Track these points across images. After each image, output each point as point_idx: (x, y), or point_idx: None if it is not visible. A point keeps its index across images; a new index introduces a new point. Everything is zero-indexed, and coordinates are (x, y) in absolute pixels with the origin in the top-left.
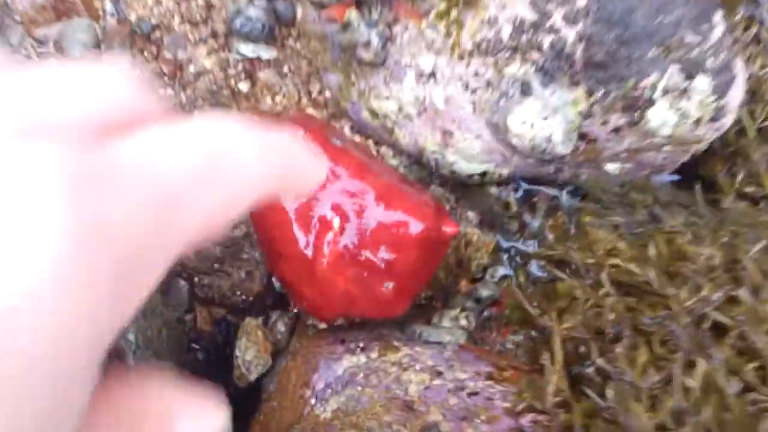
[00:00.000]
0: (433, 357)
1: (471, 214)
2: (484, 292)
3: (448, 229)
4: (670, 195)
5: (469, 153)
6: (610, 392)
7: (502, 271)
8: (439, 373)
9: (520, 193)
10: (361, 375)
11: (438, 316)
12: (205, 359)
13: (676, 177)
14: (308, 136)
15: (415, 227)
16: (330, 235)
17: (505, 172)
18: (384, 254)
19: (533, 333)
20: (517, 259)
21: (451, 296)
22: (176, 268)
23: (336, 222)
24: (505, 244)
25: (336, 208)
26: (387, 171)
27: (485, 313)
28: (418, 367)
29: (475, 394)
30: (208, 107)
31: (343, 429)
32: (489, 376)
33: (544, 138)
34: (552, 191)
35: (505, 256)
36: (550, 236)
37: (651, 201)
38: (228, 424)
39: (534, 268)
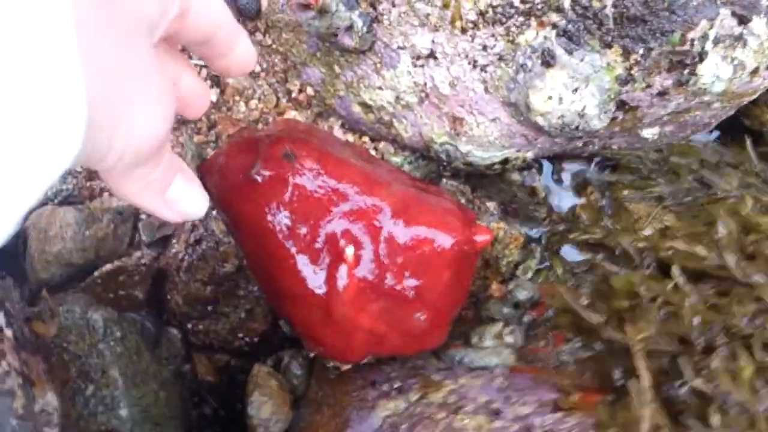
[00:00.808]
0: (484, 389)
1: (491, 205)
2: (521, 295)
3: (481, 237)
4: (716, 155)
5: (485, 140)
6: (715, 419)
7: (535, 265)
8: (497, 412)
9: (543, 174)
10: (405, 426)
11: (477, 335)
12: (214, 416)
13: (715, 134)
14: (299, 151)
15: (444, 242)
16: (344, 269)
17: (529, 155)
18: (411, 280)
19: (592, 342)
20: (550, 249)
21: (482, 304)
22: (165, 316)
23: (349, 251)
24: (534, 235)
25: (346, 235)
26: (395, 176)
27: (525, 319)
28: (469, 407)
29: None
30: (174, 124)
31: None
32: (555, 407)
33: (576, 113)
34: (578, 166)
35: (536, 248)
36: (584, 217)
37: (697, 165)
38: None
39: (571, 256)
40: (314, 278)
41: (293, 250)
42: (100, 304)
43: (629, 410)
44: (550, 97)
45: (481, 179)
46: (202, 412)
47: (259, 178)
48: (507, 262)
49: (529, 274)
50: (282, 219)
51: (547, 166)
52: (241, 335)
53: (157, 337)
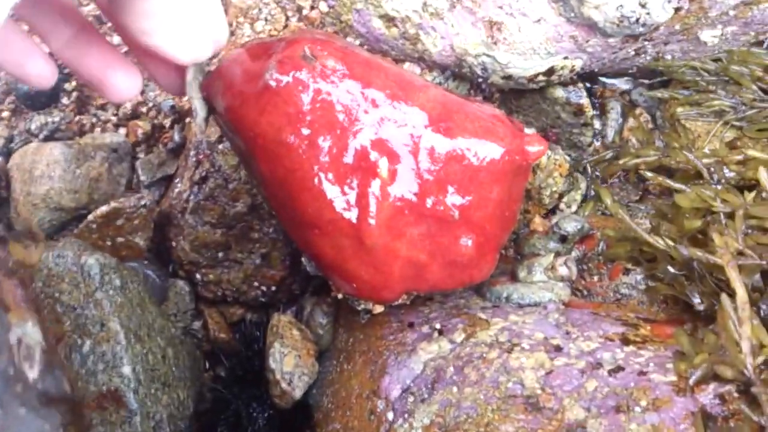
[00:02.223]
0: (539, 326)
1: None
2: (569, 227)
3: (534, 148)
4: None
5: (528, 46)
6: None
7: (580, 197)
8: (558, 348)
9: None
10: (451, 369)
11: (525, 269)
12: (230, 377)
13: None
14: (320, 50)
15: (493, 152)
16: (377, 185)
17: (578, 63)
18: (455, 198)
19: (656, 270)
20: (598, 176)
21: (524, 240)
22: (171, 267)
23: (383, 165)
24: (579, 161)
25: (379, 147)
26: (428, 81)
27: (573, 254)
28: (525, 344)
29: (620, 369)
30: None
31: None
32: (624, 339)
33: (637, 3)
34: (622, 85)
35: (580, 178)
36: (633, 140)
37: (761, 72)
38: None
39: (623, 185)
40: (343, 200)
41: (316, 167)
42: (94, 249)
43: (718, 334)
44: None
45: (519, 100)
46: (216, 375)
47: (273, 83)
48: (551, 192)
49: (574, 207)
50: (302, 131)
51: (587, 84)
52: (256, 284)
53: (163, 290)
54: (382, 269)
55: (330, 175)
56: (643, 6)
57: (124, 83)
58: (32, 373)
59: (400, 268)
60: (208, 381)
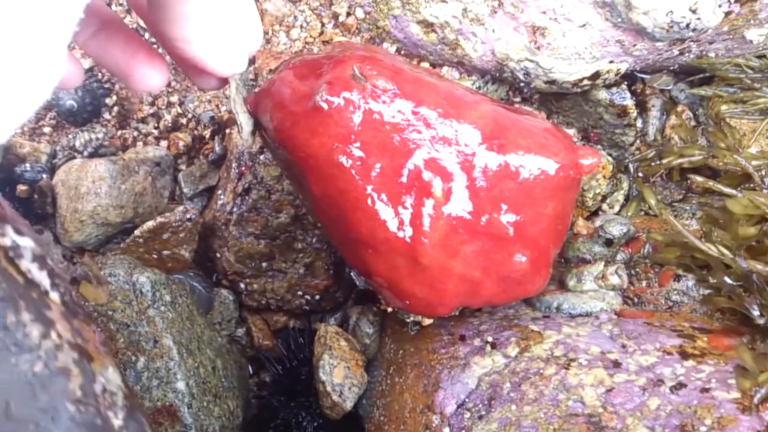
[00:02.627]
0: (594, 338)
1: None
2: (615, 230)
3: (588, 161)
4: None
5: (573, 51)
6: None
7: (622, 197)
8: (617, 364)
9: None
10: (508, 385)
11: (575, 278)
12: (276, 384)
13: None
14: (370, 70)
15: (548, 168)
16: (431, 205)
17: (623, 67)
18: (510, 215)
19: (709, 278)
20: (641, 175)
21: (569, 244)
22: (215, 276)
23: (437, 184)
24: (621, 160)
25: (432, 166)
26: (478, 96)
27: (618, 257)
28: (582, 359)
29: (681, 386)
30: None
31: None
32: (682, 353)
33: (688, 8)
34: (663, 83)
35: (622, 178)
36: (676, 139)
37: None
38: None
39: (666, 183)
40: (397, 220)
41: (370, 188)
42: (144, 266)
43: None
44: None
45: (560, 102)
46: (261, 381)
47: (324, 105)
48: (594, 194)
49: (617, 208)
50: (354, 152)
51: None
52: (300, 293)
53: (208, 300)
54: (436, 287)
55: (383, 196)
56: (693, 11)
57: (149, 73)
58: (117, 421)
59: (455, 285)
60: (254, 388)
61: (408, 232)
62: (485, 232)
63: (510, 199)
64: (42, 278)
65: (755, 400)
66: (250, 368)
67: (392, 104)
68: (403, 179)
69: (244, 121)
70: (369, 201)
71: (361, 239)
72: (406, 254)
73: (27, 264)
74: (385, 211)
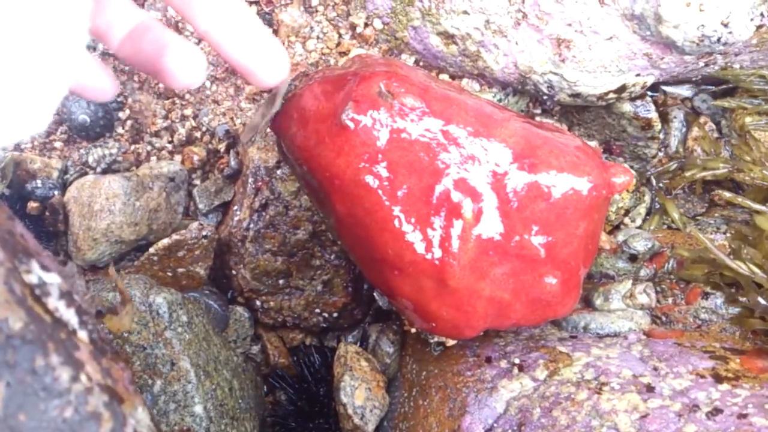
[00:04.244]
0: (625, 360)
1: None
2: (639, 245)
3: (620, 179)
4: None
5: (598, 63)
6: None
7: (644, 211)
8: (650, 388)
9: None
10: (538, 411)
11: (602, 296)
12: (292, 403)
13: None
14: (397, 87)
15: (580, 188)
16: (460, 226)
17: (650, 80)
18: (541, 237)
19: (739, 296)
20: (662, 188)
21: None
22: (230, 294)
23: (467, 206)
24: (643, 173)
25: (462, 186)
26: (506, 112)
27: (642, 273)
28: (615, 383)
29: (718, 412)
30: (221, 74)
31: None
32: (716, 376)
33: (719, 22)
34: (684, 92)
35: (644, 191)
36: (699, 151)
37: None
38: None
39: (688, 196)
40: (424, 241)
41: (397, 209)
42: (160, 286)
43: None
44: (688, 4)
45: (582, 114)
46: (276, 398)
47: (351, 124)
48: (617, 208)
49: (638, 221)
50: (381, 172)
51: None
52: (318, 310)
53: (224, 319)
54: (464, 309)
55: (411, 217)
56: (725, 25)
57: (182, 69)
58: None
59: (483, 307)
60: (269, 408)
61: (436, 253)
62: (516, 253)
63: (541, 219)
64: (70, 316)
65: None
66: (265, 388)
67: (420, 123)
68: (432, 200)
69: (256, 129)
70: (396, 222)
71: (387, 260)
72: (434, 276)
73: (54, 302)
74: (412, 233)
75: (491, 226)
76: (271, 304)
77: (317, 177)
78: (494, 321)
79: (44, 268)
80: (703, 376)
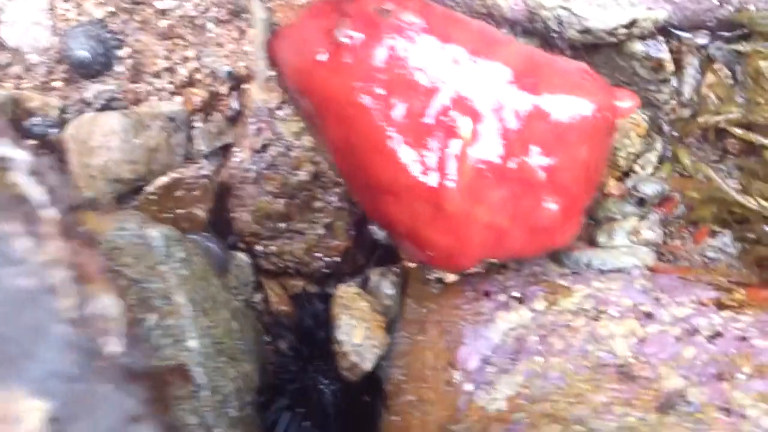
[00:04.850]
0: (626, 291)
1: None
2: (648, 189)
3: (625, 103)
4: None
5: None
6: None
7: (656, 158)
8: (649, 315)
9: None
10: (535, 338)
11: (605, 234)
12: (293, 349)
13: None
14: (397, 2)
15: (583, 109)
16: (457, 146)
17: (661, 15)
18: (541, 159)
19: (747, 232)
20: (675, 135)
21: (599, 205)
22: (230, 239)
23: (464, 124)
24: (655, 120)
25: (460, 104)
26: (511, 37)
27: (651, 217)
28: (613, 311)
29: (718, 335)
30: (225, 16)
31: (536, 426)
32: (719, 304)
33: None
34: (699, 39)
35: (657, 138)
36: (713, 97)
37: None
38: None
39: (701, 144)
40: (420, 163)
41: (393, 129)
42: (157, 222)
43: None
44: None
45: (592, 56)
46: (277, 345)
47: (346, 41)
48: (627, 153)
49: (650, 169)
50: (377, 91)
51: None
52: (319, 255)
53: (224, 263)
54: (460, 236)
55: (407, 137)
56: None
57: None
58: (116, 347)
59: (480, 234)
60: (271, 354)
61: (432, 176)
62: (515, 176)
63: (542, 141)
64: (38, 193)
65: None
66: (268, 335)
67: (419, 40)
68: (428, 120)
69: (262, 67)
70: (391, 143)
71: (382, 185)
72: (430, 200)
73: (19, 177)
74: (407, 155)
75: (489, 147)
76: (272, 248)
77: (313, 101)
78: (492, 249)
79: (13, 145)
80: (705, 305)
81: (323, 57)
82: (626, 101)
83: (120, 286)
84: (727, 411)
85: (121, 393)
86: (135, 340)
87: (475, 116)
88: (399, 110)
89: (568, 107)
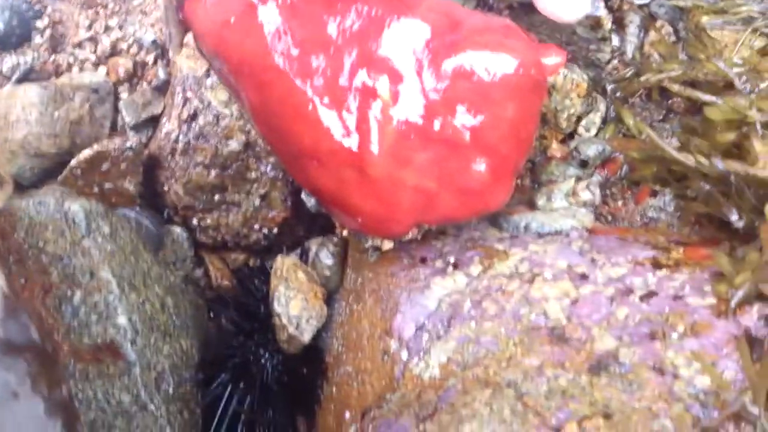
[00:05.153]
0: (562, 254)
1: None
2: (590, 150)
3: (550, 59)
4: None
5: None
6: None
7: (599, 120)
8: (584, 276)
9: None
10: (468, 303)
11: (544, 196)
12: (235, 324)
13: None
14: None
15: (506, 66)
16: (377, 108)
17: None
18: (466, 118)
19: (687, 188)
20: (618, 96)
21: (541, 168)
22: (165, 213)
23: (383, 85)
24: (598, 81)
25: (378, 64)
26: None
27: (594, 179)
28: (548, 273)
29: (652, 294)
30: None
31: (468, 392)
32: (656, 264)
33: None
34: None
35: (599, 99)
36: (655, 56)
37: None
38: None
39: (645, 104)
40: (341, 126)
41: (310, 92)
42: (78, 196)
43: (762, 251)
44: None
45: (531, 16)
46: (219, 325)
47: (257, 0)
48: (568, 115)
49: (593, 131)
50: (292, 51)
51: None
52: (257, 227)
53: (158, 237)
54: (388, 201)
55: (326, 99)
56: None
57: None
58: None
59: (408, 198)
60: (213, 330)
61: (354, 139)
62: (439, 138)
63: (465, 100)
64: None
65: (732, 304)
66: (210, 311)
67: None
68: (347, 81)
69: (174, 32)
70: (310, 106)
71: (305, 151)
72: (353, 165)
73: None
74: (328, 117)
75: (411, 108)
76: (208, 221)
77: (228, 65)
78: (422, 214)
79: None
80: (642, 264)
81: (236, 18)
82: (552, 57)
83: (9, 244)
84: (660, 371)
85: None
86: (16, 312)
87: (394, 76)
88: (316, 71)
89: (491, 64)
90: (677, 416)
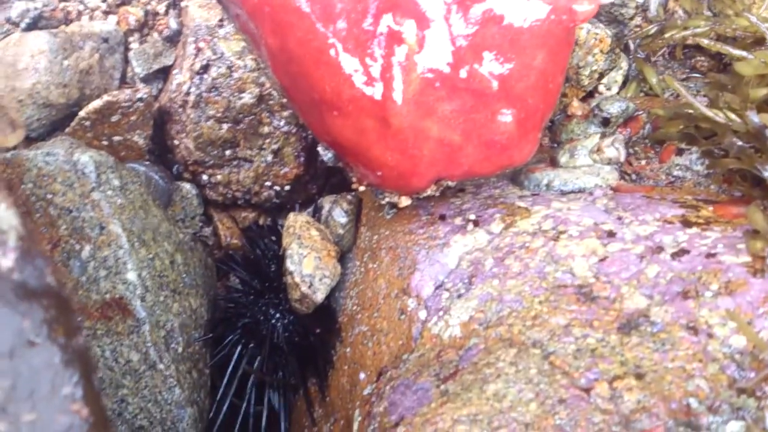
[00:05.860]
0: (587, 211)
1: None
2: (613, 108)
3: (582, 6)
4: None
5: None
6: None
7: (621, 77)
8: (611, 234)
9: None
10: (490, 261)
11: (567, 153)
12: (244, 283)
13: None
14: None
15: (537, 12)
16: (402, 53)
17: None
18: (494, 66)
19: (716, 145)
20: (641, 54)
21: (561, 127)
22: (175, 169)
23: (409, 29)
24: (620, 37)
25: (405, 7)
26: None
27: (617, 136)
28: (573, 231)
29: (684, 252)
30: None
31: (491, 351)
32: (685, 222)
33: None
34: None
35: (622, 56)
36: (680, 12)
37: None
38: None
39: (668, 63)
40: (364, 73)
41: (333, 36)
42: (88, 147)
43: None
44: None
45: None
46: (229, 280)
47: None
48: (590, 72)
49: (615, 89)
50: None
51: None
52: (269, 183)
53: (167, 193)
54: (410, 153)
55: (349, 45)
56: None
57: None
58: (6, 261)
59: (431, 151)
60: (222, 289)
61: (377, 87)
62: (466, 87)
63: (494, 47)
64: None
65: None
66: (219, 270)
67: None
68: (372, 25)
69: None
70: (332, 52)
71: (325, 99)
72: (376, 114)
73: None
74: (350, 64)
75: (438, 55)
76: (219, 177)
77: (249, 8)
78: (444, 168)
79: None
80: (671, 222)
81: None
82: (585, 4)
83: (17, 196)
84: (694, 330)
85: (13, 312)
86: (31, 254)
87: (421, 20)
88: (340, 14)
89: (522, 10)
90: (712, 376)
